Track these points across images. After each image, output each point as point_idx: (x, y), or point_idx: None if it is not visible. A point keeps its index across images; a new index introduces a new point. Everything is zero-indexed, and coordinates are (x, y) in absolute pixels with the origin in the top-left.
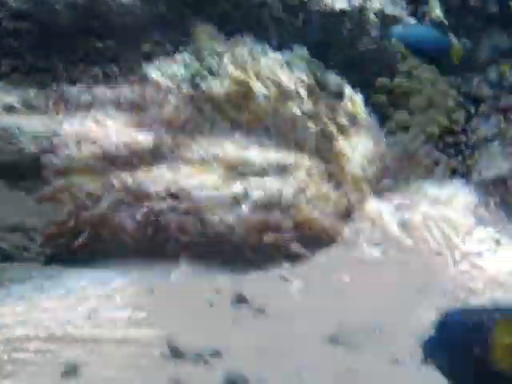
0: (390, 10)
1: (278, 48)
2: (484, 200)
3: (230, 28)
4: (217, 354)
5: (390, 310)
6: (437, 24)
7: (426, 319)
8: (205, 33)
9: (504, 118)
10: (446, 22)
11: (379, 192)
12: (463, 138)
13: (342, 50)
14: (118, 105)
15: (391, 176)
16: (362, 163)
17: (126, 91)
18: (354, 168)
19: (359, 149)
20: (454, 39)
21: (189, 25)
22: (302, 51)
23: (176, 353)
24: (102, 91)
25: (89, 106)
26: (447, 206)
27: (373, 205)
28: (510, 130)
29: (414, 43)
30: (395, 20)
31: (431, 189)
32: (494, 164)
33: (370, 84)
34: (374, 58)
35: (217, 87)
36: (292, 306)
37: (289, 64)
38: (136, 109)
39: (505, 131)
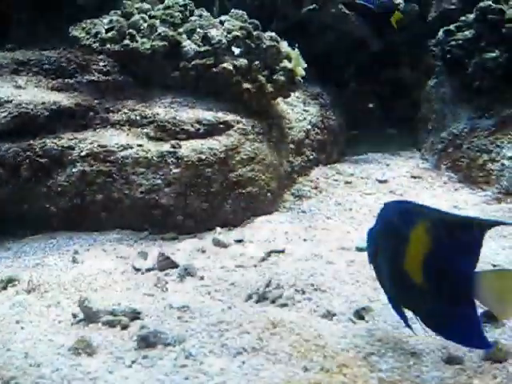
0: None
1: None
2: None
3: None
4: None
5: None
6: None
7: None
8: None
9: None
10: None
11: (327, 160)
12: None
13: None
14: (41, 68)
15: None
16: (306, 128)
17: (51, 54)
18: (297, 132)
19: (301, 112)
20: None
21: None
22: (239, 12)
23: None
24: (24, 54)
25: (10, 70)
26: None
27: (318, 171)
28: None
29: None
30: None
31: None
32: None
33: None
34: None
35: (145, 45)
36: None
37: (223, 22)
38: (61, 71)
39: None
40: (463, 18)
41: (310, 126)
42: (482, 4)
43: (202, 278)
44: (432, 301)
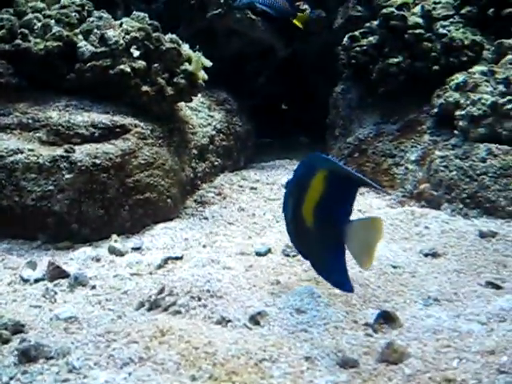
0: None
1: None
2: None
3: None
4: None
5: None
6: None
7: None
8: None
9: None
10: None
11: (234, 166)
12: None
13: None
14: None
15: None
16: (210, 134)
17: None
18: (200, 138)
19: (206, 117)
20: (304, 7)
21: None
22: (140, 14)
23: None
24: None
25: None
26: None
27: (223, 177)
28: None
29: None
30: None
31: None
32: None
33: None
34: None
35: (38, 45)
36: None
37: (123, 24)
38: None
39: None
40: (368, 25)
41: (214, 132)
42: (385, 10)
43: (93, 288)
44: (316, 244)
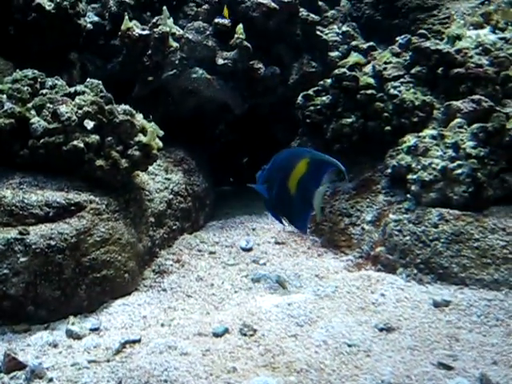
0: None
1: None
2: None
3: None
4: None
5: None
6: None
7: None
8: None
9: None
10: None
11: (192, 227)
12: None
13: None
14: None
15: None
16: (168, 198)
17: None
18: (157, 204)
19: (163, 181)
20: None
21: None
22: (94, 81)
23: None
24: None
25: None
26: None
27: (182, 241)
28: None
29: None
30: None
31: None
32: None
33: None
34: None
35: None
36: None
37: (77, 93)
38: None
39: None
40: (321, 83)
41: (172, 196)
42: (337, 71)
43: (50, 381)
44: (295, 206)
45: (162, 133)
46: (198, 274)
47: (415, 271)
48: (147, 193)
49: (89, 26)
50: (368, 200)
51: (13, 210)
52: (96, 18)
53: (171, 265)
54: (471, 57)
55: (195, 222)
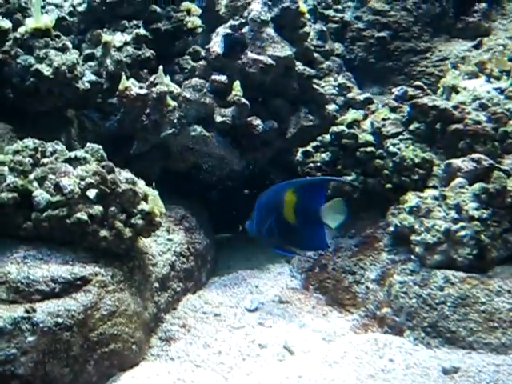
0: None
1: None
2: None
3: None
4: None
5: None
6: None
7: None
8: None
9: None
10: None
11: (196, 286)
12: None
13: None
14: None
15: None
16: (171, 261)
17: None
18: (161, 268)
19: (165, 242)
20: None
21: None
22: (95, 147)
23: None
24: None
25: None
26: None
27: (186, 303)
28: None
29: None
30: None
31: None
32: None
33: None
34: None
35: None
36: None
37: (79, 160)
38: None
39: None
40: (320, 138)
41: (175, 257)
42: (335, 129)
43: None
44: (301, 229)
45: (163, 210)
46: (204, 340)
47: (423, 334)
48: (150, 257)
49: (86, 85)
50: (371, 258)
51: (18, 286)
52: (93, 77)
53: (177, 330)
54: (469, 113)
55: (198, 281)
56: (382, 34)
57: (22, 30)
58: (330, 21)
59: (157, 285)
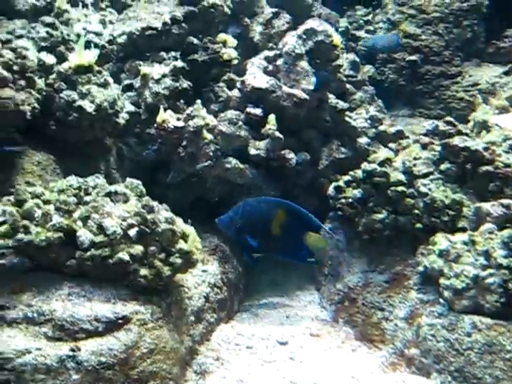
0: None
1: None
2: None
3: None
4: None
5: None
6: None
7: None
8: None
9: None
10: None
11: (228, 315)
12: None
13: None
14: None
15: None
16: (205, 293)
17: None
18: (196, 300)
19: (200, 274)
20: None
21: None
22: (134, 182)
23: None
24: None
25: None
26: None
27: (219, 333)
28: None
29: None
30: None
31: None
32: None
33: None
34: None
35: (40, 236)
36: None
37: (119, 195)
38: None
39: None
40: (352, 173)
41: (209, 289)
42: (368, 167)
43: None
44: (282, 243)
45: (200, 246)
46: (238, 374)
47: (449, 378)
48: (186, 289)
49: (125, 116)
50: (401, 295)
51: (64, 324)
52: (132, 108)
53: (211, 364)
54: (499, 155)
55: (230, 310)
56: (413, 57)
57: (65, 65)
58: None
59: (192, 318)
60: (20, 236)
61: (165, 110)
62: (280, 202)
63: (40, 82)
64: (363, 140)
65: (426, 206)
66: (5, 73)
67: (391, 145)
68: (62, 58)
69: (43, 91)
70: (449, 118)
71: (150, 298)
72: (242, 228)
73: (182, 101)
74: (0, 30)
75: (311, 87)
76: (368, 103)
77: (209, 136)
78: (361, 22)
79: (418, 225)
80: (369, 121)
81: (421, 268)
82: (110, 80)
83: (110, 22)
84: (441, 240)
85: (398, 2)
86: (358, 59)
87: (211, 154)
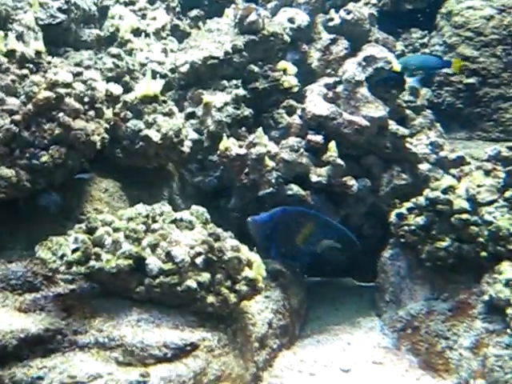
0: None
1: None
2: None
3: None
4: None
5: None
6: None
7: None
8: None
9: None
10: None
11: (290, 341)
12: None
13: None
14: (8, 283)
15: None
16: (268, 319)
17: (17, 268)
18: (260, 327)
19: (263, 300)
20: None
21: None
22: (199, 209)
23: None
24: None
25: None
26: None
27: (282, 360)
28: None
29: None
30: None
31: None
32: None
33: None
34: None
35: (110, 263)
36: None
37: (185, 222)
38: (28, 286)
39: None
40: (414, 200)
41: (272, 315)
42: (430, 194)
43: None
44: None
45: (263, 268)
46: None
47: None
48: (250, 316)
49: (189, 143)
50: (465, 324)
51: (133, 350)
52: (195, 136)
53: None
54: None
55: (292, 336)
56: (470, 80)
57: (131, 95)
58: None
59: (256, 344)
60: (92, 263)
61: (227, 137)
62: (315, 216)
63: (108, 112)
64: (424, 166)
65: (491, 235)
66: (76, 105)
67: (452, 171)
68: (127, 88)
69: (111, 120)
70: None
71: (216, 325)
72: (270, 236)
73: (243, 128)
74: (69, 62)
75: (372, 114)
76: (428, 128)
77: (271, 163)
78: (416, 44)
79: (483, 253)
80: (429, 147)
81: (486, 297)
82: (175, 109)
83: (171, 51)
84: (507, 269)
85: (454, 25)
86: (417, 85)
87: (273, 180)
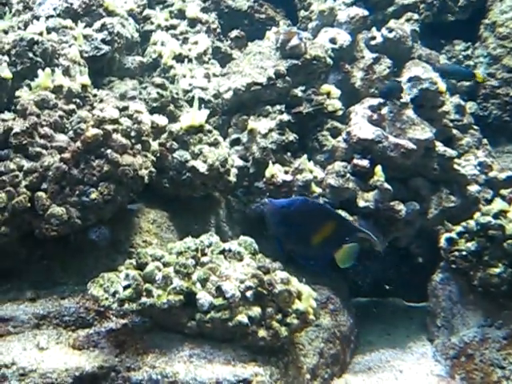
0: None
1: None
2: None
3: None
4: None
5: None
6: None
7: None
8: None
9: None
10: None
11: (341, 369)
12: None
13: None
14: (61, 320)
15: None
16: (319, 348)
17: (70, 303)
18: (311, 357)
19: (313, 329)
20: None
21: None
22: (247, 240)
23: None
24: (44, 307)
25: (32, 326)
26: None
27: None
28: None
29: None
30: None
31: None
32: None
33: None
34: None
35: (161, 299)
36: None
37: (233, 253)
38: (80, 322)
39: None
40: (464, 224)
41: (323, 344)
42: (482, 220)
43: None
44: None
45: (314, 295)
46: None
47: None
48: (301, 346)
49: (235, 170)
50: None
51: None
52: (240, 162)
53: None
54: None
55: (343, 363)
56: None
57: (177, 126)
58: None
59: (308, 376)
60: (143, 299)
61: (273, 163)
62: (338, 217)
63: (154, 144)
64: (474, 188)
65: None
66: (124, 140)
67: (503, 191)
68: (171, 116)
69: (157, 152)
70: None
71: (267, 359)
72: (284, 222)
73: (288, 153)
74: (114, 93)
75: (419, 136)
76: (476, 148)
77: (317, 189)
78: (460, 56)
79: None
80: (478, 167)
81: None
82: (220, 139)
83: (214, 75)
84: None
85: (498, 36)
86: (463, 102)
87: None
